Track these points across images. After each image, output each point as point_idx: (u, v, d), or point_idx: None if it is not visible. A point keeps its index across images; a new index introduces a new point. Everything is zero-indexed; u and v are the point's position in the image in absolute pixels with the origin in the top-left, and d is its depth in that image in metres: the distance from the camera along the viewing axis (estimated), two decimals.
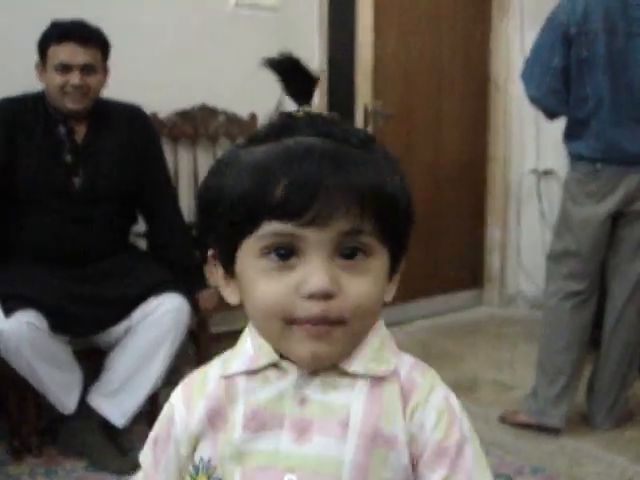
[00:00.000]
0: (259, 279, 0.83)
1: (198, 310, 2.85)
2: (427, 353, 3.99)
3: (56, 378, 2.60)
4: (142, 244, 3.10)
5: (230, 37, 3.63)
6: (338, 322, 0.83)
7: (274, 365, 0.88)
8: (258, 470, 0.87)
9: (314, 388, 0.87)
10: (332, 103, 4.04)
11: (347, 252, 0.83)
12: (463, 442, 0.86)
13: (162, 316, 2.64)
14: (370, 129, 4.22)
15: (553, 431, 2.94)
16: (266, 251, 0.82)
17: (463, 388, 3.49)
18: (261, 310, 0.84)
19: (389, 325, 3.67)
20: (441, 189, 4.65)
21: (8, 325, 2.46)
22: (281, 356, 0.87)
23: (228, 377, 0.90)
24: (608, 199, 2.89)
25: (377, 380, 0.87)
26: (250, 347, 0.90)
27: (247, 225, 0.82)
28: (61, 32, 2.63)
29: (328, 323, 0.82)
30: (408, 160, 4.47)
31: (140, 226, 3.06)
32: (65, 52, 2.63)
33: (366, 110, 4.20)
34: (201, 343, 2.99)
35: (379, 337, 0.91)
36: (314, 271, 0.81)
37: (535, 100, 2.99)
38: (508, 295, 4.89)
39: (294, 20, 3.84)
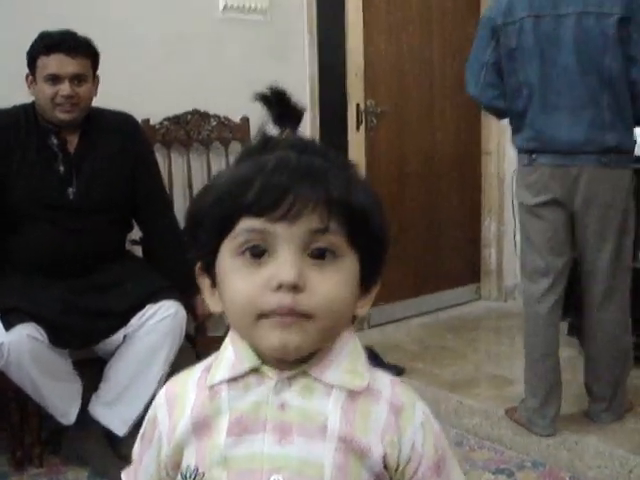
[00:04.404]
0: (234, 277, 0.88)
1: (196, 315, 2.86)
2: (426, 349, 4.01)
3: (56, 390, 2.61)
4: (138, 250, 3.11)
5: (220, 41, 3.64)
6: (306, 316, 0.86)
7: (255, 370, 0.92)
8: (244, 473, 0.91)
9: (293, 393, 0.91)
10: (325, 103, 4.05)
11: (317, 252, 0.87)
12: (445, 452, 0.96)
13: (159, 323, 2.65)
14: (363, 127, 4.23)
15: None
16: (241, 250, 0.88)
17: (463, 384, 3.50)
18: (235, 307, 0.89)
19: (388, 323, 3.68)
20: (436, 185, 4.67)
21: (9, 338, 2.46)
22: (262, 361, 0.92)
23: (212, 387, 0.94)
24: (547, 191, 2.81)
25: (352, 393, 0.92)
26: (232, 353, 0.95)
27: (225, 225, 0.88)
28: (50, 43, 2.63)
29: (296, 315, 0.86)
30: (402, 157, 4.49)
31: (136, 232, 3.07)
32: (54, 63, 2.62)
33: (358, 109, 4.20)
34: (199, 347, 2.99)
35: (352, 349, 0.95)
36: (282, 264, 0.86)
37: (475, 97, 2.99)
38: (506, 288, 4.90)
39: (283, 22, 3.85)
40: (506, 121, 4.56)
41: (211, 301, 0.96)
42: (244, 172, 0.89)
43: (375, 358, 3.67)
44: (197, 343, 2.99)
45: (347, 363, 0.93)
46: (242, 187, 0.87)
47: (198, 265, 0.95)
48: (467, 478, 2.60)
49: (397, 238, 4.50)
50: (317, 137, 4.02)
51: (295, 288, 0.85)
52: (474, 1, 4.72)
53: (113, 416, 2.68)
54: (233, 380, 0.93)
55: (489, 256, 4.94)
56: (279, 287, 0.85)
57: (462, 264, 4.87)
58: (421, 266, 4.64)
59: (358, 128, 4.22)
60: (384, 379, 0.96)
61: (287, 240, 0.86)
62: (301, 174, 0.86)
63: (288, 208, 0.85)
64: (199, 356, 3.05)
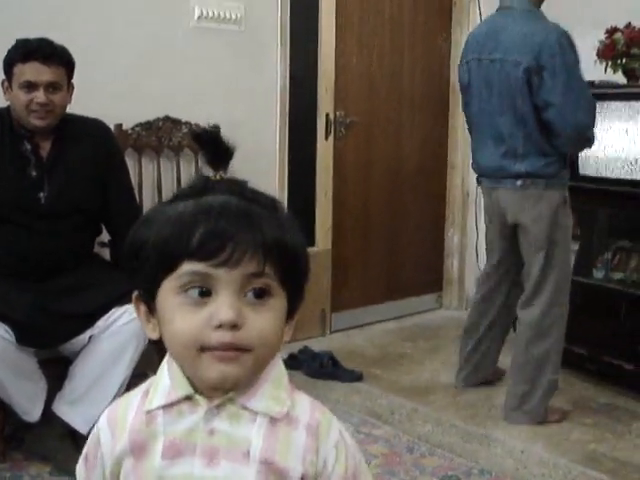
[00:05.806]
0: (176, 314, 0.97)
1: None
2: (386, 356, 4.10)
3: (22, 389, 2.67)
4: (106, 253, 3.18)
5: (194, 50, 3.72)
6: (245, 350, 0.96)
7: (188, 398, 1.01)
8: None
9: (221, 420, 1.01)
10: (294, 112, 4.14)
11: (254, 293, 0.97)
12: (358, 470, 1.07)
13: (124, 325, 2.71)
14: (332, 137, 4.33)
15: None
16: (184, 289, 0.96)
17: (418, 391, 3.60)
18: (178, 341, 0.97)
19: (350, 328, 3.77)
20: (402, 195, 4.78)
21: None
22: (195, 390, 1.01)
23: (149, 412, 1.03)
24: (489, 208, 3.37)
25: (273, 419, 1.02)
26: (167, 379, 1.04)
27: (168, 266, 0.96)
28: (26, 51, 2.69)
29: (236, 349, 0.96)
30: (369, 167, 4.59)
31: (104, 235, 3.13)
32: (30, 71, 2.68)
33: (328, 119, 4.30)
34: (162, 349, 3.06)
35: (276, 375, 1.05)
36: (223, 305, 0.95)
37: None
38: (467, 298, 5.01)
39: (257, 33, 3.94)
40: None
41: (147, 328, 1.05)
42: (188, 214, 0.97)
43: (334, 363, 3.78)
44: (160, 345, 3.05)
45: (271, 389, 1.02)
46: (186, 230, 0.95)
47: (136, 293, 1.04)
48: None
49: (362, 246, 4.61)
50: (286, 145, 4.12)
51: (234, 327, 0.94)
52: (445, 17, 4.84)
53: (76, 414, 2.74)
54: (168, 406, 1.02)
55: (451, 266, 5.06)
56: (219, 326, 0.94)
57: (425, 273, 4.98)
58: (384, 273, 4.75)
59: (327, 138, 4.32)
60: (304, 403, 1.06)
61: (227, 283, 0.95)
62: (240, 221, 0.95)
63: (229, 255, 0.94)
64: (162, 358, 3.12)
